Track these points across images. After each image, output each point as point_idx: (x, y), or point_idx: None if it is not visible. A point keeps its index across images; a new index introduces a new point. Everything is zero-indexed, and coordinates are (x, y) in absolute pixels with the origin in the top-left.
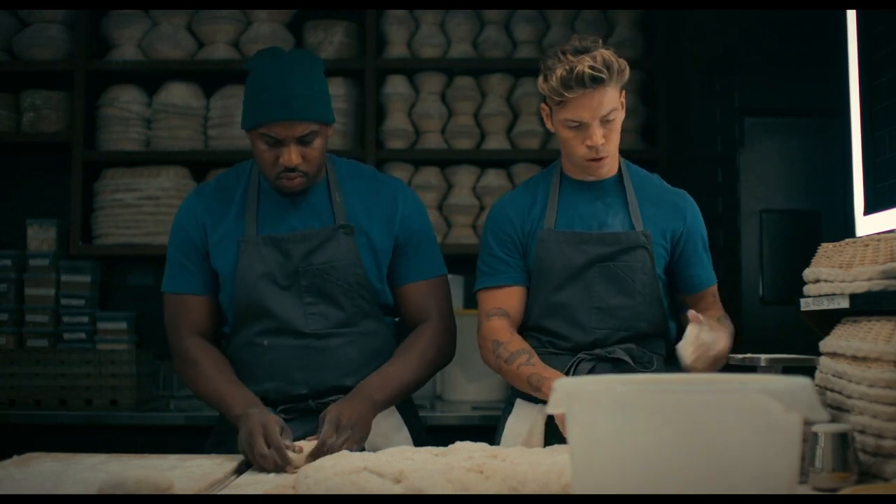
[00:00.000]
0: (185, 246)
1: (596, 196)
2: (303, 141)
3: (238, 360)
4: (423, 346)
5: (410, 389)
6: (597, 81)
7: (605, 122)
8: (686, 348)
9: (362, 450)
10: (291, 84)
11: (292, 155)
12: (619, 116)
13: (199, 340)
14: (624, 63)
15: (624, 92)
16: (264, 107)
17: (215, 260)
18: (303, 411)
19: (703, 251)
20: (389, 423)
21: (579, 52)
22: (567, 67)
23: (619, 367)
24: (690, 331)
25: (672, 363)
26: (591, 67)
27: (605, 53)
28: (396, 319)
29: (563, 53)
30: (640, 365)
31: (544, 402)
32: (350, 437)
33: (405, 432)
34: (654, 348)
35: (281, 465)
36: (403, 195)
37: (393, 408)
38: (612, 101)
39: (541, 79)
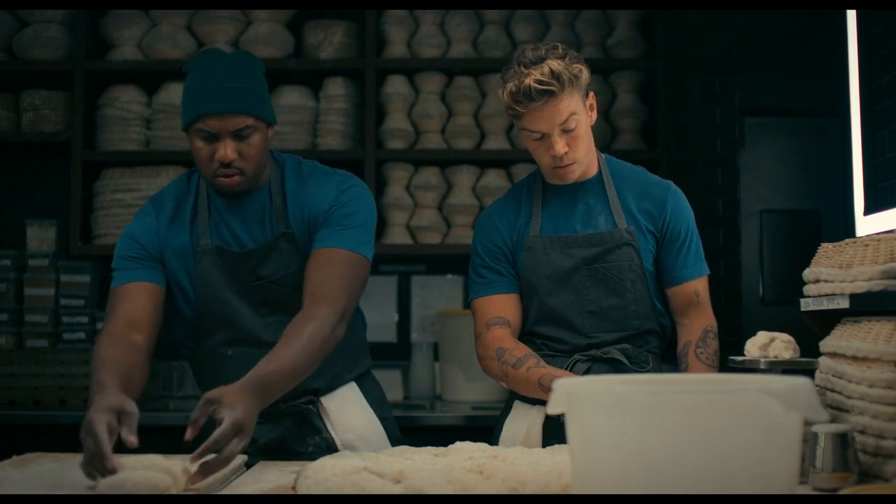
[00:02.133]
0: (132, 249)
1: (578, 198)
2: (238, 135)
3: (204, 369)
4: (310, 335)
5: (298, 373)
6: (545, 94)
7: (565, 130)
8: None
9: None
10: (225, 77)
11: (227, 150)
12: (584, 121)
13: (117, 333)
14: (579, 68)
15: (592, 94)
16: (198, 101)
17: (176, 272)
18: (272, 415)
19: (686, 242)
20: (371, 430)
21: (532, 62)
22: (516, 82)
23: (615, 367)
24: None
25: (668, 361)
26: (538, 81)
27: (554, 64)
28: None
29: (518, 64)
30: (636, 364)
31: (543, 403)
32: (244, 443)
33: (372, 416)
34: (650, 347)
35: (107, 469)
36: (342, 185)
37: (358, 393)
38: (568, 108)
39: (500, 90)
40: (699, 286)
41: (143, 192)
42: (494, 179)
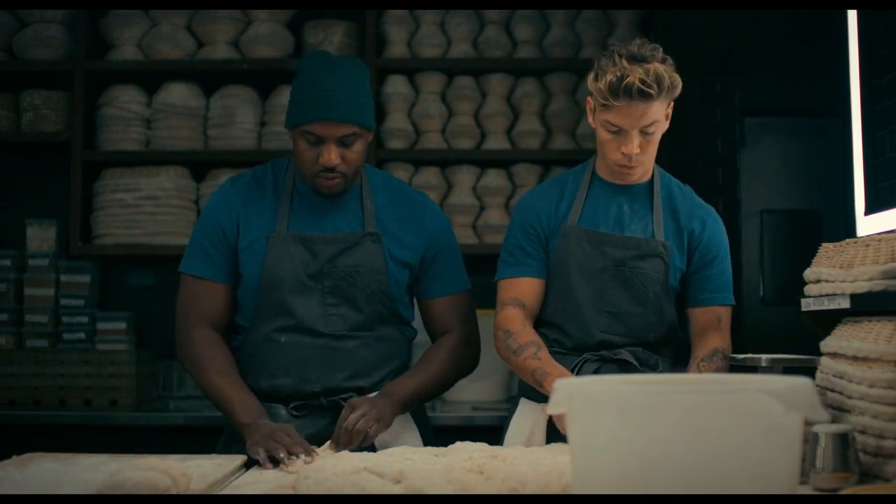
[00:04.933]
0: (212, 233)
1: (623, 200)
2: (343, 142)
3: (254, 354)
4: (444, 354)
5: (429, 394)
6: (644, 96)
7: (644, 132)
8: None
9: (364, 450)
10: (336, 86)
11: (332, 155)
12: (661, 129)
13: (206, 332)
14: (677, 80)
15: (672, 104)
16: (308, 106)
17: (245, 253)
18: (315, 408)
19: (718, 269)
20: (399, 421)
21: (634, 59)
22: (618, 74)
23: (624, 368)
24: None
25: (679, 366)
26: (642, 81)
27: (660, 68)
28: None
29: (620, 57)
30: (645, 367)
31: (547, 400)
32: (368, 413)
33: (415, 431)
34: (661, 353)
35: (307, 453)
36: (432, 211)
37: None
38: (656, 114)
39: (591, 76)
40: (723, 312)
41: (143, 191)
42: (494, 179)
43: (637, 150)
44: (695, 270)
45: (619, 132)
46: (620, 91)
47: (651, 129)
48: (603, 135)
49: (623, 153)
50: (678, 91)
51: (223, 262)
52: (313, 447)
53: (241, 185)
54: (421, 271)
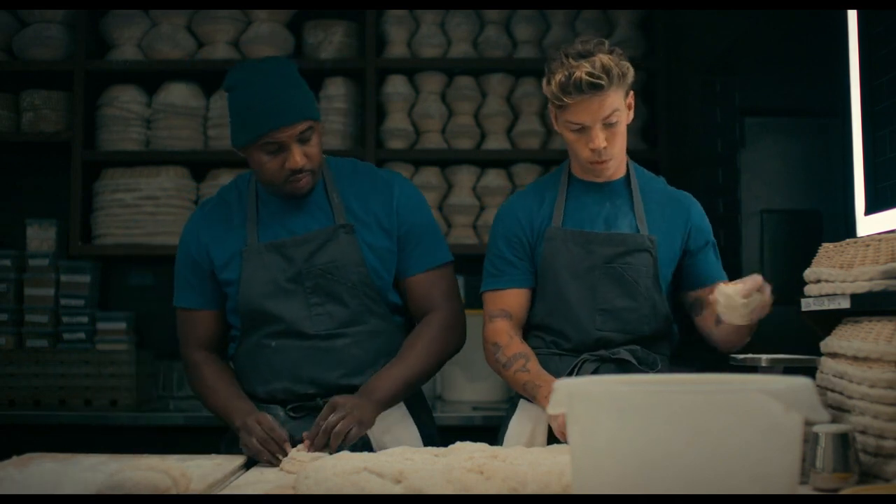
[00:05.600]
0: (189, 264)
1: (604, 197)
2: (302, 140)
3: (247, 362)
4: (427, 340)
5: (414, 384)
6: (595, 88)
7: (607, 125)
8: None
9: (363, 450)
10: (277, 90)
11: (297, 156)
12: (624, 118)
13: (205, 354)
14: (626, 66)
15: (632, 93)
16: (259, 118)
17: (224, 273)
18: (311, 409)
19: (710, 249)
20: (394, 417)
21: (581, 56)
22: (566, 73)
23: (623, 367)
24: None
25: (677, 365)
26: (589, 74)
27: (605, 59)
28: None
29: (566, 56)
30: (644, 366)
31: None
32: (348, 415)
33: (413, 430)
34: (659, 349)
35: (279, 450)
36: (399, 186)
37: (401, 404)
38: (613, 104)
39: (544, 81)
40: None
41: (143, 192)
42: (494, 179)
43: (604, 144)
44: (692, 254)
45: (582, 129)
46: (571, 87)
47: (613, 120)
48: (569, 136)
49: (591, 150)
50: (630, 77)
51: (204, 290)
52: (283, 439)
53: (208, 210)
54: (397, 250)
